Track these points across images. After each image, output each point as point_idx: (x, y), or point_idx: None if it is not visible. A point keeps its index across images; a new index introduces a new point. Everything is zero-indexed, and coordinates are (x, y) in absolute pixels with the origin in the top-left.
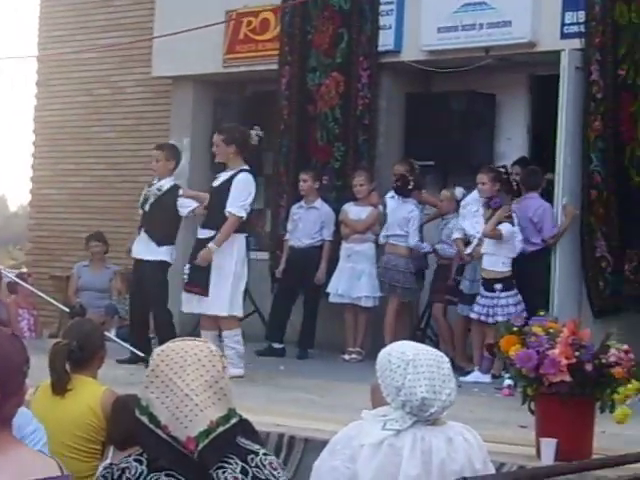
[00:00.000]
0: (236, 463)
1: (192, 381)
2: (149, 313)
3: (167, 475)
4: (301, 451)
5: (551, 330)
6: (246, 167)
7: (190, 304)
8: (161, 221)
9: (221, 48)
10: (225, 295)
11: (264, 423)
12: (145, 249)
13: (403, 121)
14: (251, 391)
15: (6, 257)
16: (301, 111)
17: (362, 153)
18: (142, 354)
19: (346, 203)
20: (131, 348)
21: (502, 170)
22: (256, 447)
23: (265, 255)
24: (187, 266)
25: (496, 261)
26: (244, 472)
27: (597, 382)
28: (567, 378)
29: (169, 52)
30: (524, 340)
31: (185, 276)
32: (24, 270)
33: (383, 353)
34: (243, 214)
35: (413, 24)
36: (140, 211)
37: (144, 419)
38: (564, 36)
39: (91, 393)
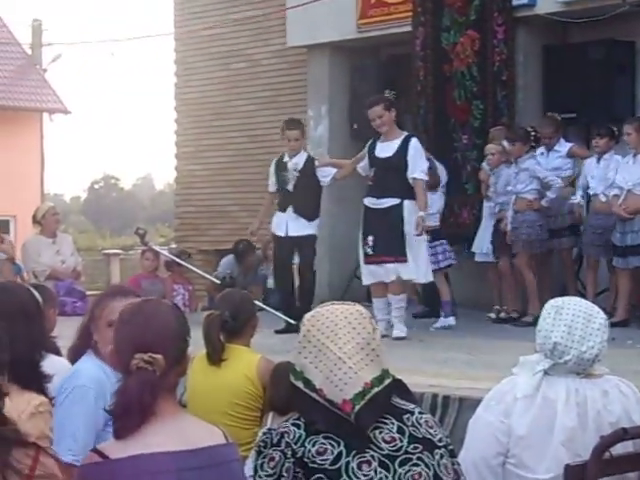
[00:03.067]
0: (392, 423)
1: (344, 344)
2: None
3: (325, 437)
4: (456, 410)
5: None
6: (407, 133)
7: (374, 275)
8: (307, 197)
9: (354, 13)
10: (422, 262)
11: (417, 384)
12: (296, 226)
13: (541, 74)
14: (402, 352)
15: (155, 235)
16: (437, 71)
17: (502, 109)
18: (294, 321)
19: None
20: (283, 316)
21: None
22: (411, 406)
23: None
24: (370, 238)
25: None
26: (400, 431)
27: None
28: None
29: (303, 21)
30: None
31: (368, 249)
32: (183, 249)
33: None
34: (426, 178)
35: None
36: (271, 189)
37: (299, 384)
38: None
39: (246, 361)
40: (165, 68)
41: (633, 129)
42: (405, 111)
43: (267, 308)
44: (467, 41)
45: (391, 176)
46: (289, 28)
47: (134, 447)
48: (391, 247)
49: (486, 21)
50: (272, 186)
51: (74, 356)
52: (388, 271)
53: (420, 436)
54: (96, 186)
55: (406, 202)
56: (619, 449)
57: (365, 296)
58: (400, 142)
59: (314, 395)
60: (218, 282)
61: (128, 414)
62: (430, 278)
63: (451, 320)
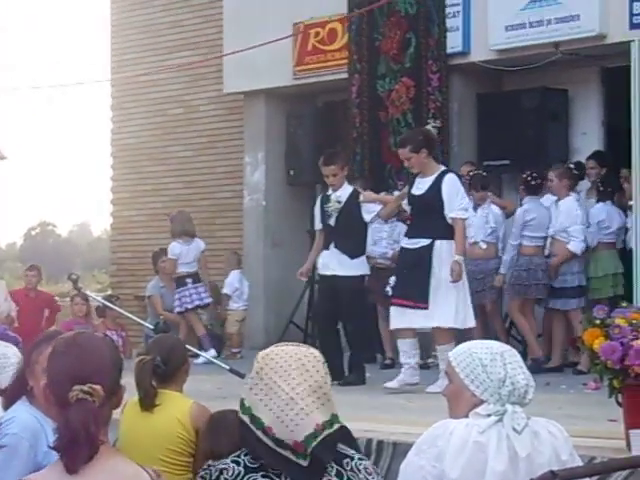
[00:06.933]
0: (331, 467)
1: (297, 385)
2: (337, 328)
3: (263, 476)
4: (390, 455)
5: (634, 321)
6: (444, 168)
7: (401, 319)
8: (349, 232)
9: (290, 61)
10: (461, 306)
11: (353, 429)
12: (338, 265)
13: (475, 122)
14: (339, 398)
15: (92, 281)
16: (373, 118)
17: (436, 156)
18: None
19: None
20: (220, 363)
21: (571, 166)
22: (351, 452)
23: None
24: (392, 278)
25: None
26: (339, 475)
27: None
28: None
29: (239, 68)
30: (607, 332)
31: (389, 289)
32: (111, 293)
33: (463, 353)
34: (467, 215)
35: (480, 24)
36: (317, 227)
37: (245, 419)
38: (633, 26)
39: (179, 407)
40: (101, 114)
41: (555, 176)
42: None
43: (202, 354)
44: (402, 88)
45: (424, 215)
46: (226, 74)
47: None
48: (411, 291)
49: (421, 69)
50: (317, 223)
51: (8, 402)
52: (412, 317)
53: None
54: (32, 232)
55: (437, 243)
56: None
57: (302, 341)
58: (434, 179)
59: (259, 433)
60: (151, 327)
61: (76, 447)
62: (470, 324)
63: (212, 352)
